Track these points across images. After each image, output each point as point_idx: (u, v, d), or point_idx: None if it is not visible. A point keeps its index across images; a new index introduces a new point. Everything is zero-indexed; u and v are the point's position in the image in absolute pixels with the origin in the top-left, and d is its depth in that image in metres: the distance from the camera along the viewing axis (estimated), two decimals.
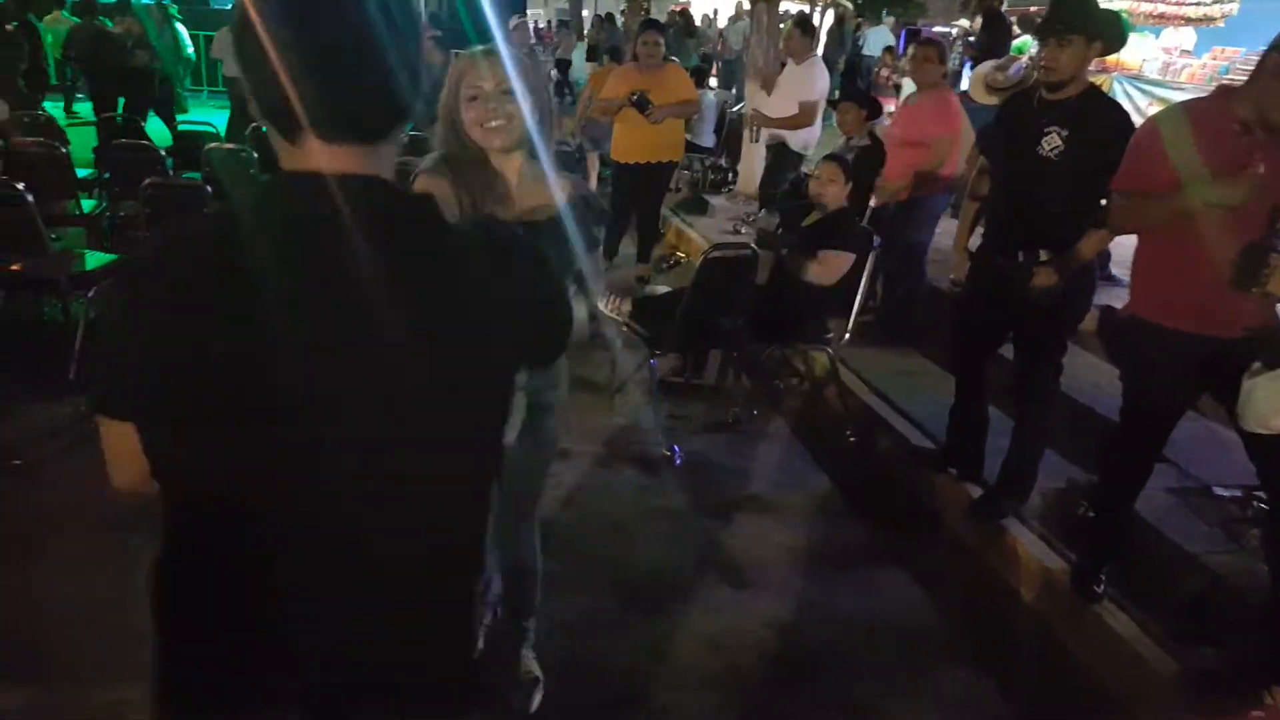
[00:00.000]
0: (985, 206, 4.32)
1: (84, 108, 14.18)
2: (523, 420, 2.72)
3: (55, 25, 14.64)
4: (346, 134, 1.25)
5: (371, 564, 1.33)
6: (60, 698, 3.00)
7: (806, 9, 16.40)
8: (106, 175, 7.72)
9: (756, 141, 9.35)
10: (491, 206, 2.49)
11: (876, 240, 5.45)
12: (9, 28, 10.17)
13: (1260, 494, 4.02)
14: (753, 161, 10.07)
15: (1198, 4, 13.10)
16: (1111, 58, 13.00)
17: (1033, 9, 13.54)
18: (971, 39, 12.89)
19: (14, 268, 5.56)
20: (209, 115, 11.46)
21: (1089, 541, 3.91)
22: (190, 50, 14.31)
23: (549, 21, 27.23)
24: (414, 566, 1.37)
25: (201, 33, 15.00)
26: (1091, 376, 5.09)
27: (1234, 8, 13.12)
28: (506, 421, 1.47)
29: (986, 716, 3.39)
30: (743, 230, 8.91)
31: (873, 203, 6.57)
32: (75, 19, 13.93)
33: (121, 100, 11.42)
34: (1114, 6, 12.23)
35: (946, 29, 18.13)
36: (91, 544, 3.62)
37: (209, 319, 1.20)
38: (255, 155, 7.06)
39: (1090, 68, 3.99)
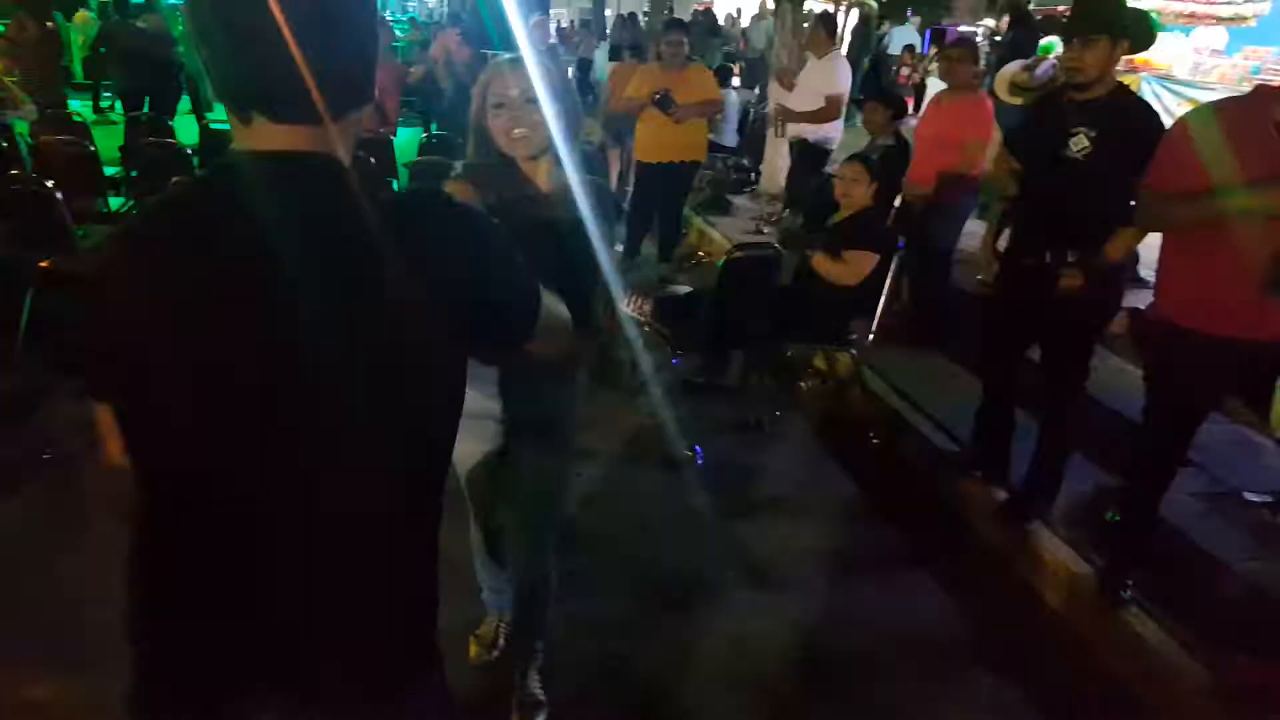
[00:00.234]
0: (1013, 207, 4.28)
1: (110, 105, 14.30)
2: (528, 440, 2.80)
3: (85, 26, 14.75)
4: (293, 114, 1.28)
5: (325, 529, 1.37)
6: (87, 688, 3.01)
7: (831, 8, 16.32)
8: (134, 173, 7.77)
9: (781, 136, 9.32)
10: (524, 210, 2.48)
11: (901, 241, 5.41)
12: (49, 25, 10.28)
13: None
14: (776, 161, 10.04)
15: (1229, 3, 12.96)
16: (1140, 57, 12.88)
17: (1060, 9, 13.48)
18: (998, 38, 12.83)
19: (42, 264, 5.59)
20: None
21: (1116, 546, 3.88)
22: None
23: (571, 21, 27.24)
24: (366, 530, 1.39)
25: None
26: (1118, 380, 5.05)
27: (1266, 7, 12.97)
28: (459, 393, 1.45)
29: None
30: (765, 230, 8.88)
31: (898, 203, 6.53)
32: (98, 19, 14.07)
33: (148, 99, 11.50)
34: (1144, 5, 12.18)
35: (972, 28, 18.03)
36: (121, 537, 3.62)
37: (162, 306, 1.27)
38: None
39: (1119, 67, 3.95)
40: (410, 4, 29.18)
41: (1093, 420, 4.47)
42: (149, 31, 11.81)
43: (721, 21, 21.19)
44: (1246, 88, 3.72)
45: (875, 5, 19.56)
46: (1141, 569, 3.78)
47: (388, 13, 25.76)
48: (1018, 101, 7.10)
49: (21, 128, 8.17)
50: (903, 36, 17.40)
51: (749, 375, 5.83)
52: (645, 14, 18.18)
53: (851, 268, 5.17)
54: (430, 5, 27.63)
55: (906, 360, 6.14)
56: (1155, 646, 3.53)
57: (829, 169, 8.37)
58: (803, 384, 6.17)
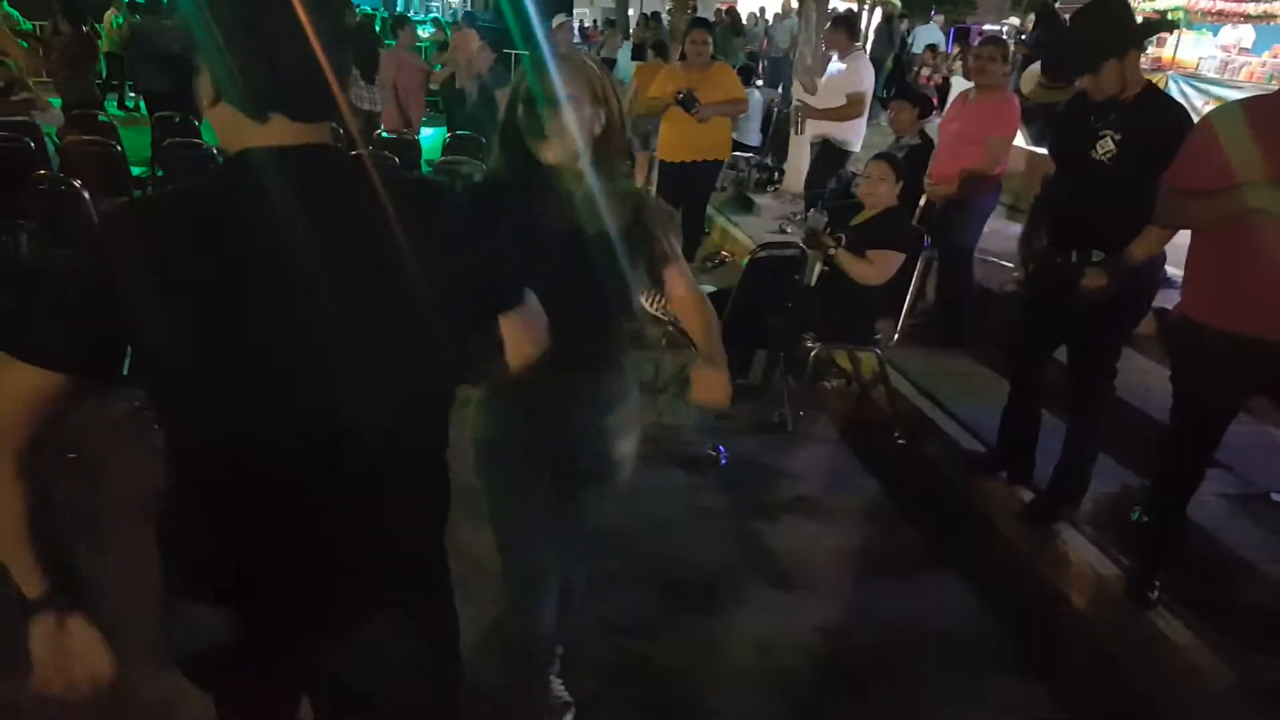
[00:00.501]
0: (1045, 205, 4.27)
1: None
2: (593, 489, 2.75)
3: (112, 24, 14.86)
4: (312, 112, 1.47)
5: (349, 465, 1.55)
6: (123, 688, 3.03)
7: (854, 7, 16.29)
8: (160, 173, 7.82)
9: (800, 133, 9.30)
10: (546, 222, 2.36)
11: (927, 240, 5.40)
12: (84, 28, 10.39)
13: None
14: (799, 160, 10.02)
15: (1257, 0, 12.85)
16: (1168, 55, 12.83)
17: None
18: (1023, 37, 12.76)
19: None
20: None
21: (1143, 547, 3.86)
22: None
23: (594, 21, 27.28)
24: (385, 465, 1.59)
25: None
26: (1145, 380, 5.01)
27: None
28: (461, 350, 1.71)
29: None
30: (789, 229, 8.87)
31: (922, 202, 6.51)
32: (120, 19, 14.16)
33: (177, 99, 11.56)
34: (1172, 3, 12.11)
35: (996, 26, 17.96)
36: (145, 538, 3.64)
37: (219, 284, 1.41)
38: None
39: (1145, 65, 3.92)
40: (433, 4, 29.26)
41: (1120, 420, 4.44)
42: (179, 31, 11.87)
43: (745, 20, 21.14)
44: (1275, 85, 3.69)
45: (898, 3, 19.50)
46: (1169, 570, 3.75)
47: (410, 13, 25.83)
48: (1052, 99, 7.06)
49: (48, 128, 8.23)
50: (927, 35, 17.35)
51: (772, 375, 5.83)
52: (668, 13, 18.19)
53: (877, 267, 5.16)
54: (454, 5, 27.69)
55: (931, 360, 6.12)
56: (1183, 648, 3.50)
57: (851, 168, 8.38)
58: (826, 383, 6.16)
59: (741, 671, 3.46)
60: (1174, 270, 5.20)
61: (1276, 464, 4.60)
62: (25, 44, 9.83)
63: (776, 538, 4.35)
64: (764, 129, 11.63)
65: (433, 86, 11.11)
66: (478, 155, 8.43)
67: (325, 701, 1.85)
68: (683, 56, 7.74)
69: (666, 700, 3.29)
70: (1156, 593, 3.70)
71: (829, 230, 5.46)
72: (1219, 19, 13.22)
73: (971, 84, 6.60)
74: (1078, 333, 4.08)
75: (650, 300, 5.22)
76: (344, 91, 1.48)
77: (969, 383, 5.86)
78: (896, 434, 5.45)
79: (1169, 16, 13.44)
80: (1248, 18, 13.09)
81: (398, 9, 29.09)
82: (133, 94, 15.27)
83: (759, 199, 10.52)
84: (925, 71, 15.17)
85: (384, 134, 9.50)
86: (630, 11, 24.34)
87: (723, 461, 4.95)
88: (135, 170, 7.58)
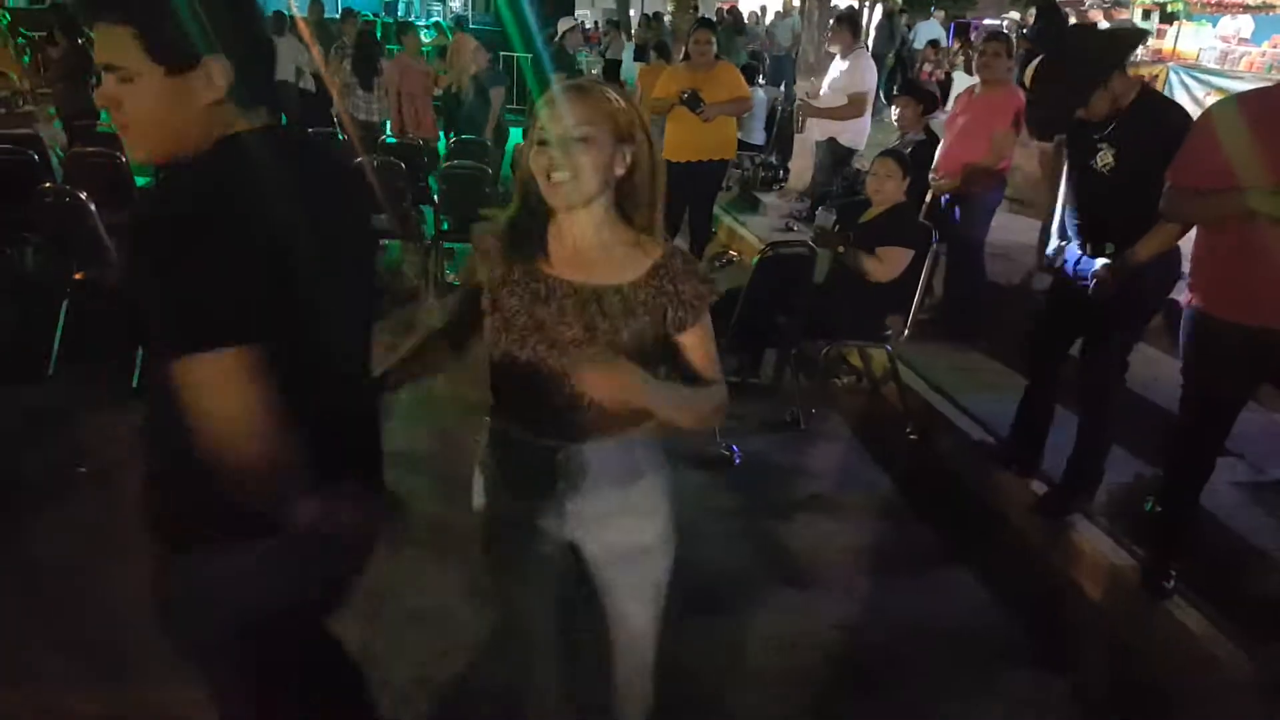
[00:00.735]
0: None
1: None
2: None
3: None
4: (279, 105, 1.93)
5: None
6: (131, 700, 3.05)
7: (855, 4, 16.30)
8: None
9: (801, 131, 9.31)
10: (532, 267, 2.10)
11: (936, 235, 5.41)
12: (80, 41, 10.42)
13: None
14: (805, 158, 10.03)
15: None
16: (1168, 46, 12.83)
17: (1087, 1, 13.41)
18: (1024, 31, 12.76)
19: (76, 276, 5.65)
20: None
21: (1157, 537, 3.87)
22: None
23: (595, 22, 27.29)
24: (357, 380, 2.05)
25: None
26: (1155, 370, 5.02)
27: None
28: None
29: (1059, 717, 3.36)
30: (795, 228, 8.88)
31: (929, 198, 6.52)
32: None
33: None
34: None
35: (996, 21, 17.97)
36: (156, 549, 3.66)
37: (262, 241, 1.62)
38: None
39: (1145, 57, 3.95)
40: (434, 8, 29.26)
41: (1131, 411, 4.45)
42: None
43: (746, 19, 21.15)
44: (1276, 76, 3.71)
45: (899, 0, 19.50)
46: (1184, 560, 3.76)
47: (411, 18, 25.85)
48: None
49: (53, 142, 8.26)
50: (928, 31, 17.35)
51: (783, 374, 5.84)
52: (670, 13, 18.20)
53: (886, 265, 5.17)
54: (455, 9, 27.70)
55: (941, 355, 6.13)
56: (1199, 638, 3.52)
57: (855, 165, 8.40)
58: (837, 381, 6.17)
59: (759, 671, 3.47)
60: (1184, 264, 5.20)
61: None
62: (27, 58, 9.86)
63: (791, 536, 4.36)
64: (768, 127, 11.64)
65: (438, 91, 11.12)
66: (482, 159, 8.45)
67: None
68: (686, 56, 7.74)
69: (685, 701, 3.29)
70: (1172, 582, 3.71)
71: (838, 228, 5.47)
72: (1218, 10, 13.24)
73: (974, 79, 6.61)
74: (1088, 327, 4.09)
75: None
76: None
77: (980, 377, 5.87)
78: (908, 430, 5.46)
79: (1169, 9, 13.45)
80: (1247, 8, 13.11)
81: (399, 14, 29.10)
82: None
83: (764, 197, 10.54)
84: (927, 67, 15.16)
85: (389, 139, 9.50)
86: (631, 12, 24.35)
87: (736, 461, 4.95)
88: (139, 180, 7.58)
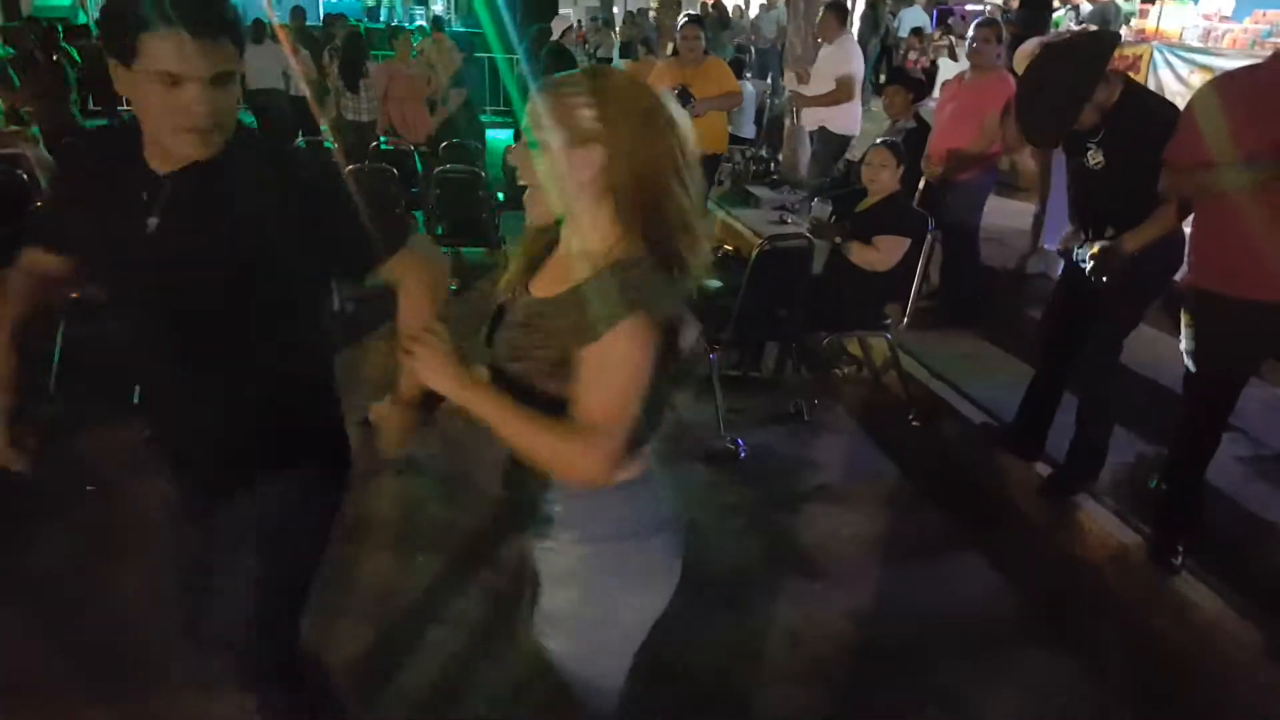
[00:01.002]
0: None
1: None
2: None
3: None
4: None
5: None
6: (141, 710, 3.06)
7: None
8: None
9: (797, 123, 9.31)
10: (523, 285, 1.94)
11: (932, 223, 5.43)
12: (55, 58, 10.38)
13: None
14: (798, 149, 10.04)
15: None
16: (1151, 26, 12.85)
17: None
18: (1009, 15, 12.76)
19: (73, 295, 5.64)
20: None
21: (1163, 514, 3.90)
22: None
23: (578, 20, 27.26)
24: None
25: None
26: (1156, 349, 5.05)
27: None
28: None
29: (1073, 697, 3.38)
30: (789, 220, 8.90)
31: (921, 185, 6.55)
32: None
33: None
34: None
35: (979, 7, 17.96)
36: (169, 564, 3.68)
37: None
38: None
39: (1129, 37, 4.03)
40: (418, 12, 29.25)
41: (1133, 390, 4.48)
42: None
43: (730, 13, 21.13)
44: (1260, 52, 3.76)
45: None
46: (1190, 537, 3.79)
47: (394, 21, 25.83)
48: None
49: (46, 160, 8.23)
50: (911, 18, 17.33)
51: (784, 366, 5.86)
52: (654, 10, 18.17)
53: (884, 254, 5.20)
54: (437, 12, 27.69)
55: (941, 342, 6.16)
56: (1208, 613, 3.56)
57: (849, 156, 8.41)
58: (839, 371, 6.19)
59: (775, 664, 3.49)
60: None
61: None
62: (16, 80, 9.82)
63: (799, 527, 4.39)
64: (757, 120, 11.65)
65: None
66: (473, 162, 8.44)
67: None
68: (675, 53, 7.76)
69: (705, 695, 3.31)
70: (1180, 559, 3.74)
71: (834, 219, 5.49)
72: None
73: (960, 66, 6.64)
74: (1090, 310, 4.13)
75: None
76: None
77: (980, 362, 5.91)
78: (911, 417, 5.49)
79: None
80: None
81: (380, 18, 29.07)
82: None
83: (757, 190, 10.54)
84: (912, 55, 15.15)
85: (382, 145, 9.50)
86: (614, 9, 24.34)
87: (741, 454, 4.97)
88: None
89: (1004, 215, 7.32)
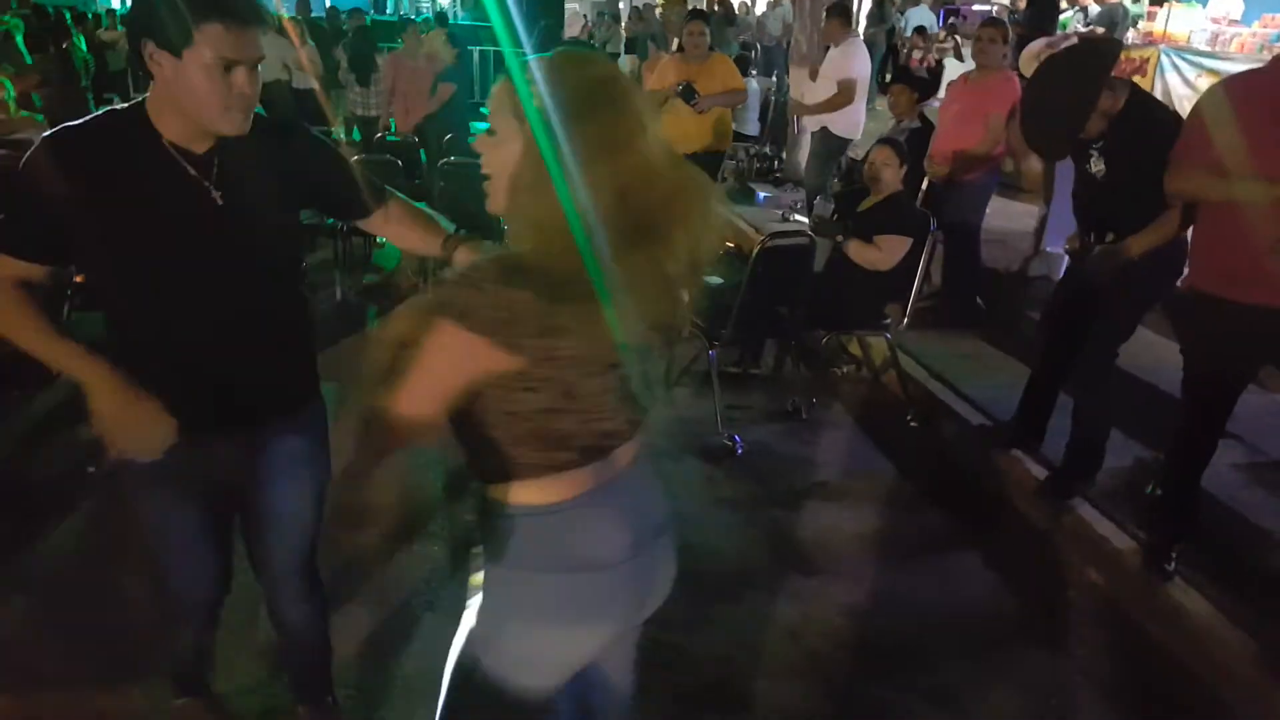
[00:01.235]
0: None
1: None
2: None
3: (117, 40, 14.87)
4: None
5: None
6: (143, 694, 3.07)
7: None
8: None
9: (798, 129, 9.31)
10: None
11: (934, 223, 5.44)
12: (65, 46, 10.40)
13: None
14: (800, 149, 10.04)
15: None
16: (1159, 29, 12.85)
17: None
18: (1015, 16, 12.77)
19: (78, 279, 5.65)
20: None
21: (1159, 519, 3.91)
22: None
23: (585, 16, 27.22)
24: None
25: None
26: (1155, 353, 5.06)
27: None
28: None
29: (1067, 697, 3.39)
30: (792, 218, 8.90)
31: (925, 185, 6.56)
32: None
33: None
34: None
35: (986, 7, 17.94)
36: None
37: None
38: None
39: (1136, 40, 4.03)
40: (423, 5, 29.21)
41: (1130, 395, 4.49)
42: None
43: (736, 9, 21.09)
44: (1267, 56, 3.77)
45: None
46: (1185, 542, 3.81)
47: (399, 14, 25.81)
48: None
49: None
50: (918, 17, 17.31)
51: (783, 363, 5.87)
52: (660, 5, 18.15)
53: (885, 253, 5.21)
54: (443, 5, 27.66)
55: (941, 341, 6.17)
56: (1202, 618, 3.57)
57: (851, 154, 8.41)
58: (838, 370, 6.20)
59: (772, 658, 3.50)
60: None
61: None
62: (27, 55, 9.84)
63: (796, 524, 4.40)
64: (762, 118, 11.65)
65: None
66: (475, 155, 8.42)
67: None
68: (680, 49, 7.76)
69: (705, 690, 3.32)
70: (1174, 564, 3.76)
71: (836, 217, 5.50)
72: None
73: (965, 66, 6.64)
74: (1090, 313, 4.14)
75: None
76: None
77: (979, 363, 5.92)
78: (909, 417, 5.50)
79: None
80: None
81: (387, 10, 29.04)
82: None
83: (759, 188, 10.55)
84: (916, 54, 15.14)
85: (388, 137, 9.51)
86: (620, 5, 24.29)
87: (739, 451, 4.99)
88: None
89: (1006, 217, 7.33)
